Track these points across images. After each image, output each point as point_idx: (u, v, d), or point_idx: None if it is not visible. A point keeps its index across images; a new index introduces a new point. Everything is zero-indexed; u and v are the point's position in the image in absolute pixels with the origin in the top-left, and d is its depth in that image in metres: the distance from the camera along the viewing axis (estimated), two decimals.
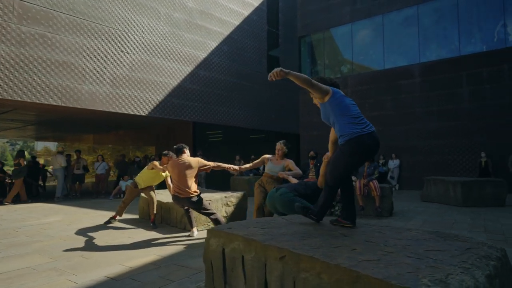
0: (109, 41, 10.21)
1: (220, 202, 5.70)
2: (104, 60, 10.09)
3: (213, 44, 13.07)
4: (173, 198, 4.86)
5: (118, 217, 6.00)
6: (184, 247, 4.30)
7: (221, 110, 13.22)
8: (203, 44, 12.73)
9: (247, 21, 14.53)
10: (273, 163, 4.81)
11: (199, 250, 4.12)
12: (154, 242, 4.62)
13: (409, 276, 1.45)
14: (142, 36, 11.01)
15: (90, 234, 5.14)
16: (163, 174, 5.92)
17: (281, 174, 4.55)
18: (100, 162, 11.21)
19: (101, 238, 4.86)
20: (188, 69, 12.20)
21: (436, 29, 13.45)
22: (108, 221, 5.84)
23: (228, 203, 5.87)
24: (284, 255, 2.01)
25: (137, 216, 6.85)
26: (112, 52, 10.29)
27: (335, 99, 2.77)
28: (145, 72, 11.03)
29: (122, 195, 10.78)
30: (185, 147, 5.06)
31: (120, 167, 12.58)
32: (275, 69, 2.62)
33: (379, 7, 14.61)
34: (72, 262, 3.67)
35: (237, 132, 14.18)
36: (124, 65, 10.54)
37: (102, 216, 6.95)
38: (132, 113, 10.63)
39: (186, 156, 4.99)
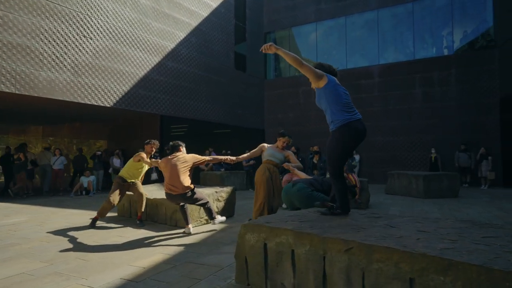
0: (70, 24, 9.37)
1: (212, 198, 5.58)
2: (65, 45, 9.25)
3: (181, 35, 12.63)
4: (166, 196, 4.66)
5: (99, 218, 5.52)
6: (188, 245, 4.15)
7: (189, 104, 12.86)
8: (171, 34, 12.24)
9: (215, 13, 14.25)
10: (273, 150, 4.68)
11: (205, 247, 4.01)
12: (151, 240, 4.38)
13: (502, 261, 1.57)
14: (107, 22, 10.27)
15: (72, 234, 4.72)
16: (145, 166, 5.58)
17: (286, 166, 4.54)
18: (57, 156, 10.28)
19: (88, 238, 4.49)
20: (155, 59, 11.65)
21: (393, 34, 14.40)
22: (93, 224, 5.28)
23: (219, 198, 5.77)
24: (351, 247, 2.05)
25: (115, 214, 6.42)
26: (74, 37, 9.46)
27: (330, 87, 2.92)
28: (110, 60, 10.32)
29: (84, 192, 10.01)
30: (181, 145, 4.87)
31: (77, 162, 11.65)
32: (267, 43, 2.84)
33: (343, 9, 15.23)
34: (72, 265, 3.35)
35: (201, 126, 13.88)
36: (87, 51, 9.75)
37: (75, 215, 6.42)
38: (95, 103, 9.90)
39: (182, 153, 4.80)
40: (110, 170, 11.35)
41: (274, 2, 16.96)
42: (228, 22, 14.96)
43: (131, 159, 5.54)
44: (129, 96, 10.81)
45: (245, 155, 4.86)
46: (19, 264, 3.40)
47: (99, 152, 11.23)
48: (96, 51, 9.99)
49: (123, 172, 5.48)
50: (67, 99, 9.26)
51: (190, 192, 4.56)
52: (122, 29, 10.69)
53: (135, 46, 11.04)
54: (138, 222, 5.32)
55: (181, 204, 4.78)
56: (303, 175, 4.49)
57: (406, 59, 14.01)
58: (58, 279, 2.96)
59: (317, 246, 2.23)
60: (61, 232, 4.85)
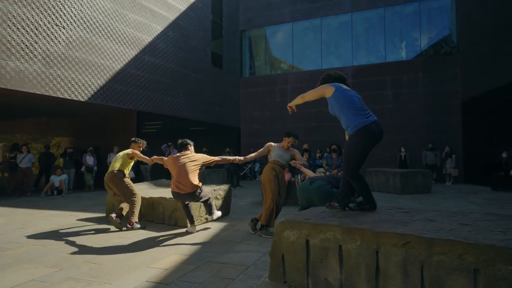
0: (41, 11, 8.69)
1: (210, 196, 5.46)
2: (35, 33, 8.57)
3: (159, 28, 12.20)
4: (173, 195, 4.50)
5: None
6: (198, 244, 4.03)
7: (166, 100, 12.47)
8: (148, 27, 11.78)
9: (193, 7, 13.94)
10: (281, 150, 4.68)
11: (219, 246, 3.92)
12: (156, 241, 4.20)
13: None
14: (81, 10, 9.66)
15: (65, 237, 4.40)
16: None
17: (294, 164, 4.56)
18: (25, 153, 9.49)
19: (87, 240, 4.21)
20: (132, 52, 11.16)
21: (366, 37, 14.98)
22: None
23: (217, 196, 5.67)
24: (409, 241, 2.11)
25: (103, 214, 6.07)
26: (45, 25, 8.79)
27: (338, 93, 3.01)
28: (84, 52, 9.72)
29: (55, 192, 9.35)
30: (189, 143, 4.71)
31: (44, 160, 10.86)
32: (289, 108, 3.44)
33: (318, 11, 15.57)
34: (84, 269, 3.12)
35: (177, 123, 13.54)
36: (59, 41, 9.11)
37: (55, 216, 5.98)
38: (68, 97, 9.28)
39: (190, 151, 4.66)
40: (83, 169, 10.72)
41: (250, 0, 16.92)
42: (205, 18, 14.70)
43: (123, 155, 5.13)
44: (104, 91, 10.26)
45: (252, 154, 4.79)
46: (22, 270, 3.10)
47: (70, 150, 10.54)
48: (69, 41, 9.36)
49: (113, 168, 5.05)
50: (38, 92, 8.60)
51: (198, 190, 4.45)
52: (97, 19, 10.11)
53: (111, 37, 10.49)
54: (137, 224, 4.97)
55: (186, 202, 4.64)
56: (310, 173, 4.55)
57: (378, 62, 14.65)
58: (77, 285, 2.75)
59: (369, 241, 2.28)
60: (51, 235, 4.50)
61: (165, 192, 5.71)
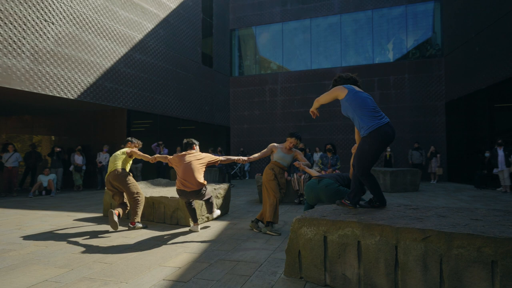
0: (29, 6, 8.45)
1: (212, 195, 5.47)
2: (23, 29, 8.32)
3: (149, 26, 12.05)
4: (178, 192, 4.49)
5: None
6: (205, 242, 4.05)
7: (156, 99, 12.33)
8: (138, 25, 11.62)
9: (183, 6, 13.82)
10: (283, 152, 4.77)
11: (226, 244, 3.95)
12: (162, 240, 4.19)
13: None
14: (71, 6, 9.43)
15: (67, 237, 4.32)
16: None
17: (297, 164, 4.64)
18: (11, 152, 9.20)
19: (91, 240, 4.15)
20: (122, 50, 10.98)
21: (355, 38, 15.26)
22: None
23: (218, 195, 5.68)
24: (428, 235, 2.21)
25: (100, 214, 5.98)
26: (34, 20, 8.55)
27: (351, 95, 3.09)
28: (74, 49, 9.51)
29: (43, 192, 9.10)
30: (195, 143, 4.72)
31: (30, 159, 10.54)
32: (311, 111, 3.40)
33: (307, 11, 15.74)
34: (96, 269, 3.09)
35: (166, 122, 13.41)
36: (48, 37, 8.87)
37: (51, 216, 5.84)
38: (58, 95, 9.06)
39: (195, 150, 4.67)
40: (71, 168, 10.47)
41: None
42: (196, 16, 14.61)
43: (122, 154, 4.99)
44: (94, 89, 10.05)
45: (256, 155, 4.86)
46: (32, 271, 3.05)
47: (58, 149, 10.27)
48: (59, 37, 9.13)
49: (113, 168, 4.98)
50: (26, 89, 8.35)
51: (204, 188, 4.47)
52: (87, 15, 9.90)
53: (101, 34, 10.30)
54: (139, 224, 4.93)
55: (190, 201, 4.65)
56: (314, 172, 4.64)
57: (366, 63, 14.95)
58: (93, 284, 2.73)
59: (389, 236, 2.37)
60: (52, 235, 4.41)
61: (165, 191, 5.69)
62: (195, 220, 4.71)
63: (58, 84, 9.07)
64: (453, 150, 13.25)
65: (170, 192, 5.67)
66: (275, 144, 4.86)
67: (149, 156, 4.95)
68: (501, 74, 9.78)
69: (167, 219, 5.18)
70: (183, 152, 4.60)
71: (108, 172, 4.82)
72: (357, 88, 3.13)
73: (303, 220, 2.78)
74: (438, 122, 13.87)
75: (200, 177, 4.42)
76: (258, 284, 2.72)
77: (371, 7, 14.80)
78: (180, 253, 3.61)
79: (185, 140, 4.72)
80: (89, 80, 9.90)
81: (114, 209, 4.60)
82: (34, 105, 10.85)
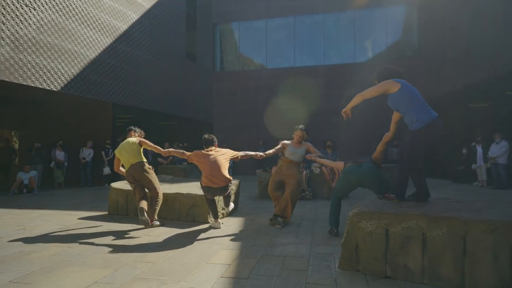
0: None
1: None
2: (3, 14, 7.68)
3: (134, 16, 11.56)
4: (205, 189, 4.38)
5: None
6: (238, 238, 3.99)
7: (141, 92, 11.87)
8: (123, 15, 11.10)
9: None
10: (293, 146, 4.85)
11: (260, 240, 3.90)
12: (190, 237, 4.05)
13: None
14: None
15: (90, 239, 4.05)
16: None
17: (309, 157, 4.69)
18: None
19: (114, 240, 3.92)
20: (107, 40, 10.45)
21: (337, 37, 15.61)
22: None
23: (231, 191, 5.59)
24: (497, 226, 2.34)
25: (105, 212, 5.68)
26: (14, 5, 7.91)
27: (405, 90, 3.21)
28: (57, 37, 8.91)
29: (24, 190, 8.47)
30: (215, 140, 4.61)
31: (4, 155, 9.77)
32: (343, 113, 3.51)
33: (292, 9, 15.85)
34: (143, 269, 2.94)
35: (148, 116, 12.97)
36: (30, 24, 8.25)
37: (51, 216, 5.46)
38: (40, 86, 8.46)
39: (216, 147, 4.57)
40: (52, 164, 9.83)
41: None
42: (180, 9, 14.21)
43: (131, 144, 4.63)
44: (79, 80, 9.49)
45: (270, 151, 4.92)
46: (73, 273, 2.84)
47: (38, 144, 9.59)
48: (41, 24, 8.51)
49: (123, 161, 4.70)
50: (6, 79, 7.72)
51: (230, 184, 4.41)
52: (71, 2, 9.31)
53: (85, 23, 9.72)
54: (156, 221, 4.70)
55: (213, 198, 4.55)
56: (330, 162, 4.65)
57: (348, 62, 15.35)
58: (150, 284, 2.60)
59: (456, 228, 2.47)
60: (66, 236, 4.12)
61: (177, 188, 5.52)
62: (216, 217, 4.62)
63: (40, 75, 8.47)
64: (429, 146, 13.99)
65: (181, 188, 5.50)
66: (285, 141, 4.95)
67: (162, 149, 4.70)
68: (475, 76, 10.46)
69: (183, 216, 5.03)
70: (206, 149, 4.49)
71: (129, 165, 4.53)
72: (408, 83, 3.22)
73: (362, 214, 2.82)
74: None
75: (226, 173, 4.36)
76: (321, 277, 2.73)
77: (353, 8, 15.20)
78: (217, 250, 3.53)
79: (207, 136, 4.60)
80: (73, 71, 9.33)
81: (140, 205, 4.34)
82: (12, 97, 10.06)
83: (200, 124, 15.79)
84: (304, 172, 7.35)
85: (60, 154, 9.86)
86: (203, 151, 4.47)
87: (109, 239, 3.97)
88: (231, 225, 4.80)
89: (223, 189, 4.37)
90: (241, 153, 4.73)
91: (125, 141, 4.75)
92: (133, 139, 4.78)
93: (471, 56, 10.88)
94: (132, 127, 5.14)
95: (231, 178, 4.44)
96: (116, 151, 4.70)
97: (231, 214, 5.57)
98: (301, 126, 4.97)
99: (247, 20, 16.43)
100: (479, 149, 9.80)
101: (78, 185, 10.40)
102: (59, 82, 8.94)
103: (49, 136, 11.18)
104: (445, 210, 2.70)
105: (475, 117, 11.29)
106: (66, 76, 9.14)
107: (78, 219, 5.21)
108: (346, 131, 14.92)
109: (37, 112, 11.50)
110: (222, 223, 4.72)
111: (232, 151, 4.65)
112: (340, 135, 14.90)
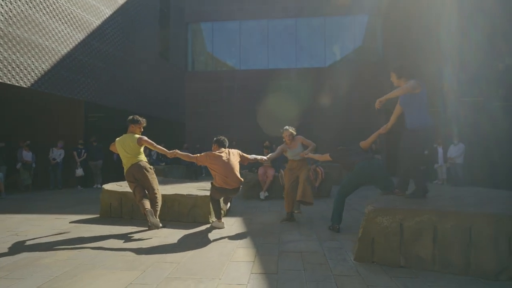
0: None
1: None
2: None
3: (108, 12, 11.14)
4: (220, 191, 4.45)
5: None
6: (248, 237, 4.11)
7: (112, 91, 11.45)
8: (96, 9, 10.66)
9: None
10: (290, 148, 5.08)
11: (270, 237, 4.06)
12: (200, 237, 4.09)
13: None
14: None
15: (95, 242, 3.93)
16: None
17: (302, 154, 4.91)
18: None
19: (123, 243, 3.86)
20: (79, 36, 9.98)
21: (308, 42, 16.17)
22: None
23: None
24: (499, 218, 2.72)
25: (95, 215, 5.49)
26: None
27: (423, 92, 3.53)
28: (27, 30, 8.39)
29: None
30: (227, 142, 4.68)
31: None
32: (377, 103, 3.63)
33: (266, 12, 16.15)
34: (170, 269, 2.96)
35: (120, 115, 12.50)
36: None
37: (38, 220, 5.18)
38: (8, 82, 7.92)
39: (226, 149, 4.65)
40: (19, 166, 9.18)
41: None
42: (153, 6, 13.89)
43: (130, 141, 4.46)
44: (50, 77, 8.99)
45: (272, 154, 5.08)
46: (101, 276, 2.80)
47: (2, 144, 8.91)
48: (9, 16, 7.96)
49: (123, 159, 4.59)
50: None
51: (241, 185, 4.52)
52: None
53: (56, 17, 9.22)
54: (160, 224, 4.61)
55: (220, 199, 4.64)
56: (319, 156, 4.83)
57: (319, 66, 15.96)
58: (187, 283, 2.66)
59: (463, 220, 2.82)
60: (69, 240, 3.97)
61: (176, 189, 5.51)
62: (219, 217, 4.70)
63: (9, 70, 7.91)
64: (391, 147, 14.99)
65: (177, 189, 5.49)
66: (282, 146, 5.11)
67: (167, 150, 4.62)
68: (434, 81, 11.44)
69: (183, 217, 5.04)
70: (217, 151, 4.54)
71: (130, 164, 4.43)
72: None
73: (379, 210, 3.10)
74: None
75: (239, 174, 4.47)
76: (344, 270, 2.96)
77: (324, 14, 15.84)
78: (233, 248, 3.64)
79: (220, 138, 4.66)
80: (43, 67, 8.81)
81: (145, 206, 4.27)
82: None
83: (171, 124, 15.52)
84: (283, 172, 7.62)
85: (27, 155, 9.25)
86: (215, 153, 4.51)
87: (118, 242, 3.91)
88: (232, 224, 4.90)
89: (236, 190, 4.49)
90: (251, 157, 4.81)
91: (127, 136, 4.53)
92: (135, 135, 4.56)
93: (429, 64, 11.86)
94: (133, 117, 4.70)
95: (242, 180, 4.55)
96: (117, 143, 4.54)
97: (227, 214, 5.66)
98: (286, 127, 5.16)
99: (221, 21, 16.45)
100: (440, 150, 10.73)
101: (47, 187, 9.81)
102: (29, 78, 8.41)
103: (15, 135, 10.40)
104: (449, 205, 3.07)
105: (435, 120, 12.30)
106: (37, 72, 8.61)
107: (70, 222, 5.01)
108: (321, 131, 15.46)
109: (2, 109, 10.65)
110: (224, 225, 4.80)
111: (241, 152, 4.75)
112: (317, 135, 15.37)
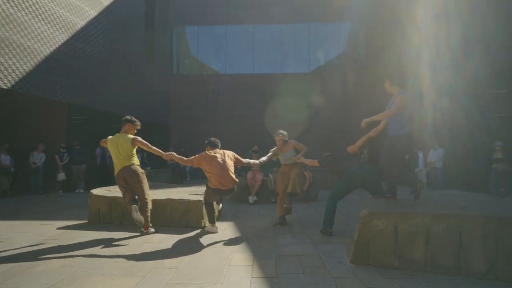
0: None
1: None
2: None
3: (92, 13, 10.93)
4: (215, 192, 4.45)
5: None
6: (241, 241, 4.14)
7: (96, 92, 11.21)
8: (80, 10, 10.45)
9: None
10: (283, 152, 5.17)
11: (265, 242, 4.10)
12: (195, 242, 4.07)
13: None
14: None
15: (87, 249, 3.85)
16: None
17: (294, 159, 5.00)
18: None
19: (116, 249, 3.80)
20: (63, 37, 9.75)
21: (293, 48, 16.39)
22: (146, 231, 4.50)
23: None
24: (488, 221, 2.88)
25: (83, 221, 5.36)
26: None
27: (409, 104, 3.77)
28: (8, 30, 8.13)
29: None
30: (218, 143, 4.70)
31: None
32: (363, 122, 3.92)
33: (252, 17, 16.26)
34: (170, 275, 2.94)
35: (104, 118, 12.28)
36: None
37: (23, 226, 5.01)
38: None
39: (220, 150, 4.66)
40: None
41: None
42: (138, 8, 13.73)
43: (124, 143, 4.36)
44: (32, 78, 8.72)
45: (264, 158, 5.12)
46: (101, 283, 2.75)
47: None
48: None
49: (115, 161, 4.52)
50: None
51: (236, 186, 4.54)
52: None
53: (39, 16, 8.98)
54: (146, 230, 4.58)
55: (215, 202, 4.65)
56: (309, 161, 4.94)
57: (303, 71, 16.20)
58: (191, 287, 2.67)
59: (454, 223, 2.97)
60: (59, 248, 3.86)
61: (160, 194, 5.46)
62: (213, 221, 4.70)
63: None
64: (372, 151, 15.37)
65: (168, 193, 5.45)
66: (274, 149, 5.19)
67: (163, 152, 4.57)
68: (413, 86, 11.85)
69: (175, 222, 5.00)
70: (212, 152, 4.54)
71: (121, 167, 4.36)
72: None
73: (374, 214, 3.21)
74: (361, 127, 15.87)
75: (233, 175, 4.48)
76: (341, 272, 3.04)
77: (308, 21, 16.12)
78: (230, 253, 3.66)
79: (212, 139, 4.68)
80: (25, 68, 8.54)
81: (132, 205, 4.26)
82: None
83: (156, 126, 15.31)
84: (271, 176, 7.70)
85: (6, 159, 8.90)
86: (209, 154, 4.51)
87: (111, 248, 3.85)
88: (225, 229, 4.92)
89: (231, 191, 4.51)
90: (245, 161, 4.82)
91: (121, 136, 4.43)
92: (129, 136, 4.47)
93: (408, 69, 12.28)
94: (129, 117, 4.61)
95: (237, 180, 4.57)
96: (109, 141, 4.45)
97: (219, 219, 5.66)
98: (278, 131, 5.24)
99: (206, 25, 16.44)
100: (420, 155, 11.11)
101: (27, 192, 9.46)
102: (10, 79, 8.13)
103: None
104: (439, 208, 3.21)
105: (415, 126, 12.72)
106: (18, 73, 8.34)
107: (58, 229, 4.87)
108: (307, 134, 15.60)
109: None
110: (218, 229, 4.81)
111: (236, 155, 4.76)
112: (304, 140, 15.54)
